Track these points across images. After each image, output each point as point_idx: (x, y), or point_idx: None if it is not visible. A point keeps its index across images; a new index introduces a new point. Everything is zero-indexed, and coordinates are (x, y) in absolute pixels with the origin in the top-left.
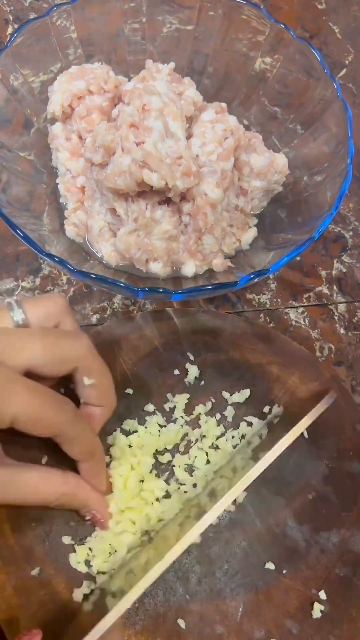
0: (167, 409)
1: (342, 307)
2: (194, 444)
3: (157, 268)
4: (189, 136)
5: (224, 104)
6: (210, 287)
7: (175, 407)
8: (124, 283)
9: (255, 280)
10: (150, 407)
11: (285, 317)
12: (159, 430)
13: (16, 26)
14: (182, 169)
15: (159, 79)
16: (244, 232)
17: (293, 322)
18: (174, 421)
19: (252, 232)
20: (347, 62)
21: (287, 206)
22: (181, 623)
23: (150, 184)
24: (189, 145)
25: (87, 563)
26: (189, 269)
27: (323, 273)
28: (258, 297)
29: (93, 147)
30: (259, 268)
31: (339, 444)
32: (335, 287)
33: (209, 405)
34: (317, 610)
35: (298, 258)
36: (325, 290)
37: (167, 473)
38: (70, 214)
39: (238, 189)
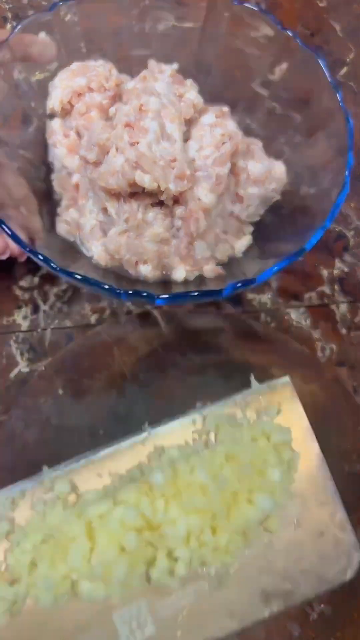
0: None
1: (343, 307)
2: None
3: (147, 271)
4: (186, 139)
5: (225, 108)
6: (194, 293)
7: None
8: (107, 285)
9: (242, 289)
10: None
11: (286, 317)
12: None
13: (15, 24)
14: (176, 172)
15: (160, 79)
16: (238, 240)
17: (294, 322)
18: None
19: (246, 240)
20: (348, 60)
21: (283, 215)
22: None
23: (142, 185)
24: (186, 149)
25: None
26: (179, 273)
27: (324, 273)
28: (259, 296)
29: (88, 145)
30: (251, 277)
31: (341, 445)
32: (336, 287)
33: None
34: (318, 612)
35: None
36: (327, 290)
37: None
38: (63, 211)
39: (234, 195)
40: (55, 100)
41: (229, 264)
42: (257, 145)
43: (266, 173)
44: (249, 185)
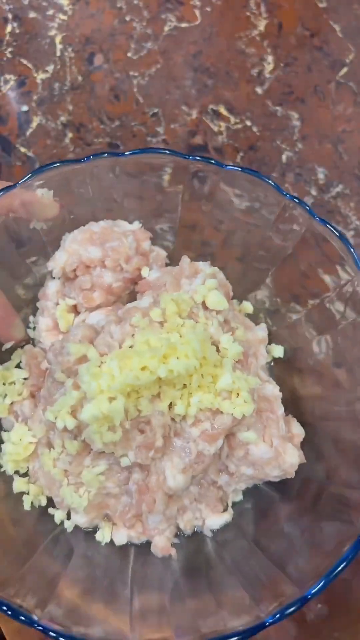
0: None
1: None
2: None
3: (79, 520)
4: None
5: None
6: None
7: None
8: None
9: None
10: None
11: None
12: None
13: (15, 24)
14: (142, 439)
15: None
16: (213, 514)
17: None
18: None
19: (223, 518)
20: (347, 60)
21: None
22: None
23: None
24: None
25: None
26: (120, 537)
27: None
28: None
29: (57, 356)
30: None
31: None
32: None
33: None
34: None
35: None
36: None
37: None
38: (19, 400)
39: (222, 464)
40: (57, 263)
41: (194, 537)
42: (275, 413)
43: (270, 460)
44: (244, 464)
